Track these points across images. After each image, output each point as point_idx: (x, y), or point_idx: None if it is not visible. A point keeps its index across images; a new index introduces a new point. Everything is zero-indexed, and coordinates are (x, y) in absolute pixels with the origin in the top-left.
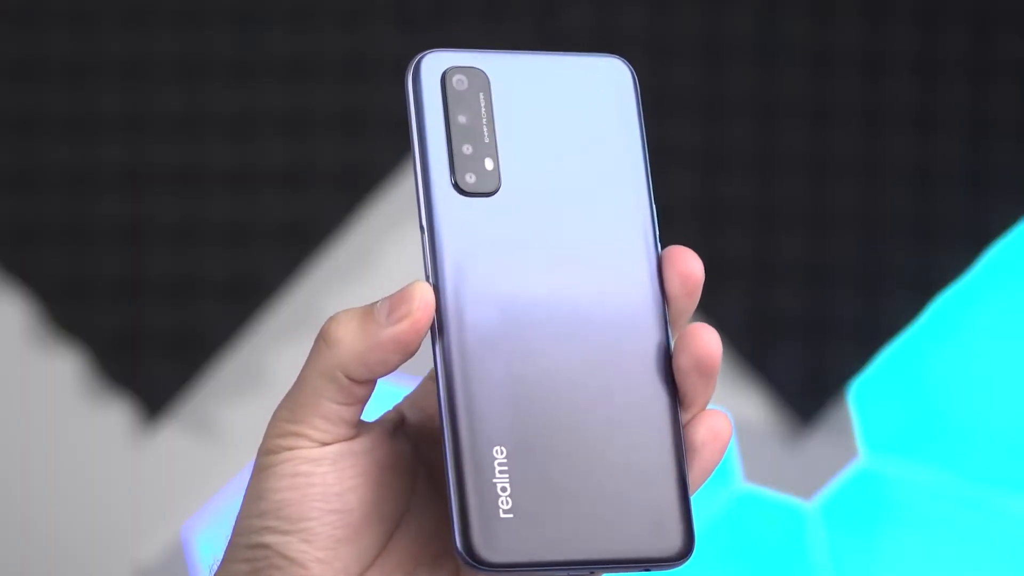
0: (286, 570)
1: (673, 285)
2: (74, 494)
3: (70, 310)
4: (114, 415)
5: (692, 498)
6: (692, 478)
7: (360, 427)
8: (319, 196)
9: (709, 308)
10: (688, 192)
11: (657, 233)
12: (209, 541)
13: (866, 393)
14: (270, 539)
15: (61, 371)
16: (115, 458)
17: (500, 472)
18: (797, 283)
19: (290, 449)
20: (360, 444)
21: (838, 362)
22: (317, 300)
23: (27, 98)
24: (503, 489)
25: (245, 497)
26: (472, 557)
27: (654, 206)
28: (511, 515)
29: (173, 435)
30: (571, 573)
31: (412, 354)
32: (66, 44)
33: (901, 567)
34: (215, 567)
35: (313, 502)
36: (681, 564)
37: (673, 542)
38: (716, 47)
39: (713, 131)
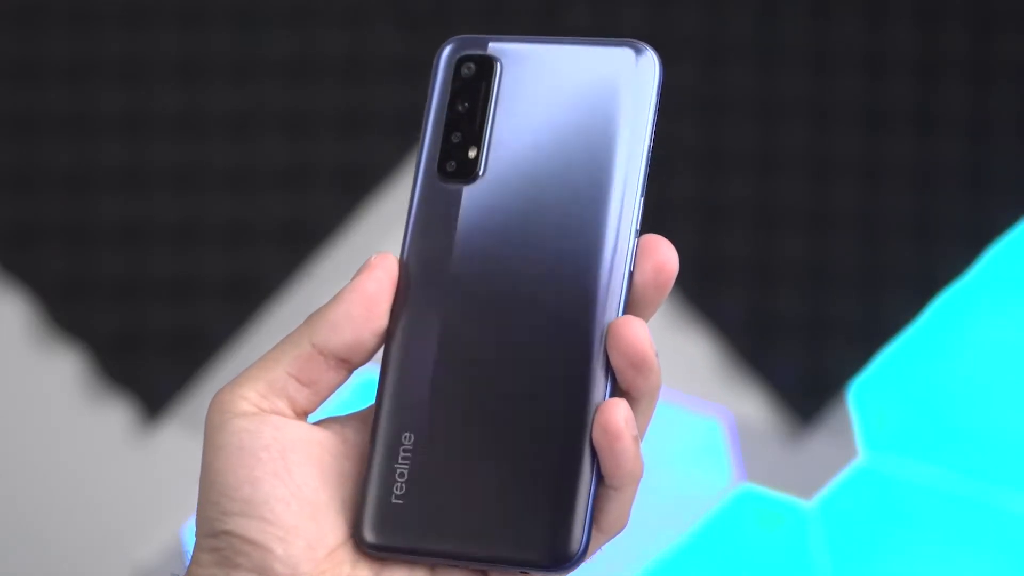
0: (251, 555)
1: (645, 274)
2: (74, 494)
3: (70, 310)
4: (114, 415)
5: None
6: (604, 478)
7: (305, 416)
8: (319, 196)
9: (709, 308)
10: (688, 192)
11: (636, 229)
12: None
13: (866, 393)
14: (230, 524)
15: (61, 371)
16: (115, 458)
17: (403, 458)
18: (797, 283)
19: (234, 415)
20: (306, 426)
21: (838, 362)
22: (317, 300)
23: (27, 98)
24: (401, 475)
25: (201, 482)
26: (357, 537)
27: (639, 202)
28: (401, 501)
29: (173, 435)
30: (450, 565)
31: (378, 315)
32: (66, 44)
33: (901, 567)
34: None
35: (262, 477)
36: (560, 571)
37: (554, 547)
38: (716, 47)
39: (713, 131)
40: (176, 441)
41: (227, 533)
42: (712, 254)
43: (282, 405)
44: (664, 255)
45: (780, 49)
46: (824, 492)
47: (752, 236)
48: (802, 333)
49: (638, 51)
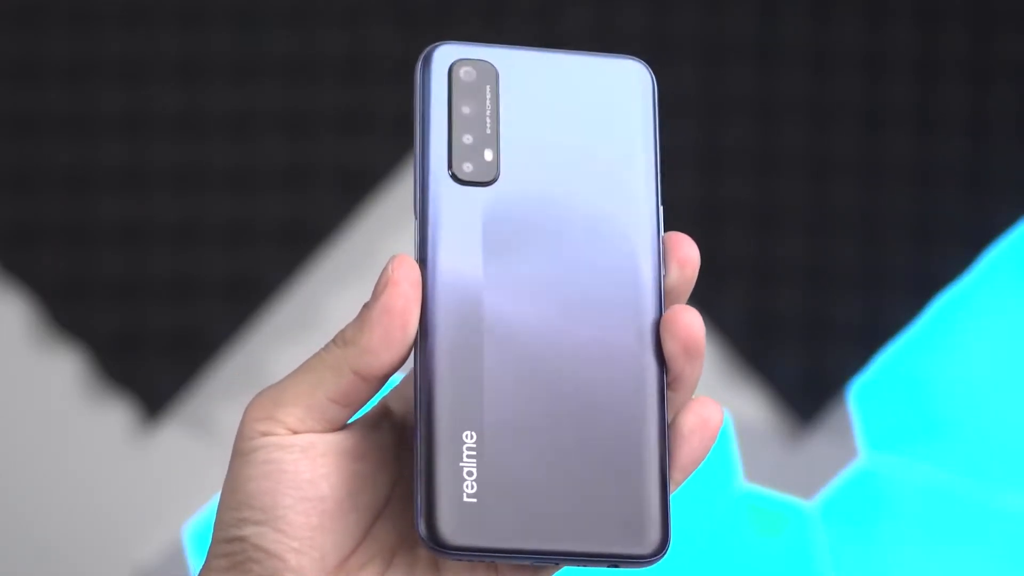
0: (263, 562)
1: (671, 270)
2: (74, 494)
3: (70, 310)
4: (114, 415)
5: (675, 493)
6: (679, 467)
7: (337, 427)
8: (319, 196)
9: (709, 308)
10: (688, 192)
11: (660, 229)
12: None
13: (866, 393)
14: (246, 531)
15: (61, 371)
16: (115, 458)
17: (468, 456)
18: (797, 283)
19: (264, 435)
20: (334, 436)
21: (838, 362)
22: (317, 300)
23: (27, 98)
24: (469, 473)
25: (223, 488)
26: (432, 539)
27: (660, 205)
28: (475, 499)
29: (173, 435)
30: (534, 562)
31: (411, 325)
32: (66, 44)
33: (901, 567)
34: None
35: (285, 490)
36: (651, 563)
37: (644, 539)
38: (716, 47)
39: (713, 131)
40: (176, 441)
41: (242, 539)
42: (712, 254)
43: (317, 426)
44: (686, 251)
45: (780, 49)
46: (824, 492)
47: (752, 236)
48: (802, 333)
49: (634, 64)
